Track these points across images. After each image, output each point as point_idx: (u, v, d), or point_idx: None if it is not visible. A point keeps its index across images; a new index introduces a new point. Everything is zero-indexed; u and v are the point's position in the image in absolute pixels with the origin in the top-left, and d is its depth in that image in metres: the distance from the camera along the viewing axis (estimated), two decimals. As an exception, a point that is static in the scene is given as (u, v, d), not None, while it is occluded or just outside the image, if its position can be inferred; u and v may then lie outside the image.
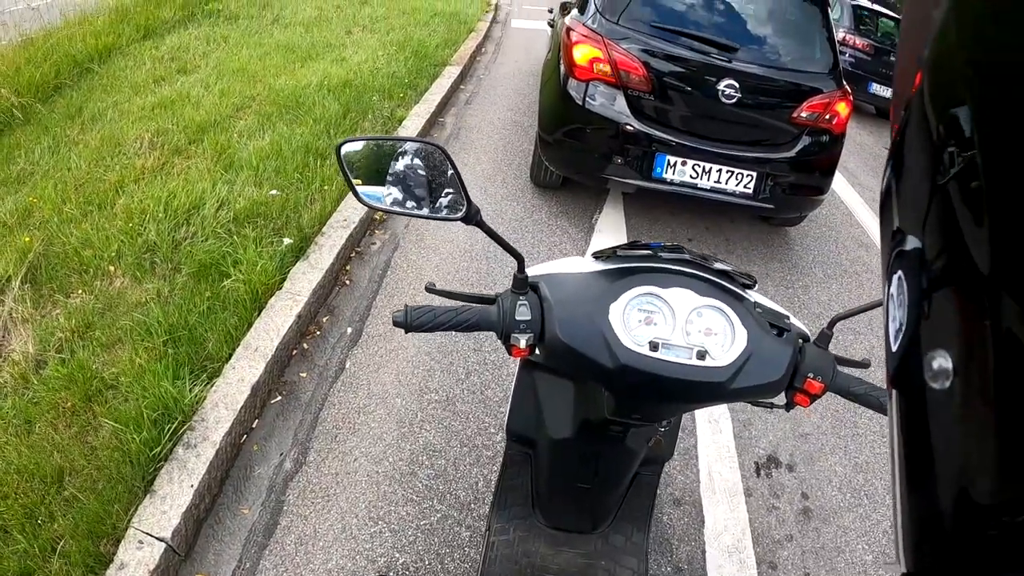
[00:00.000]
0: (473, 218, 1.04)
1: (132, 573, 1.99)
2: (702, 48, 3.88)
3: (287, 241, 3.44)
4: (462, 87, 6.99)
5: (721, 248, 4.43)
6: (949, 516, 0.36)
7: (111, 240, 3.40)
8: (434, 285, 1.14)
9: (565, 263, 1.19)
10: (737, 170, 3.94)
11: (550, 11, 6.69)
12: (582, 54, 3.93)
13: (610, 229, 4.34)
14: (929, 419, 0.38)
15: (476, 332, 1.10)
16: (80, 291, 3.13)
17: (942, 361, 0.36)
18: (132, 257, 3.30)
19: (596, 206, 4.63)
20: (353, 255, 3.69)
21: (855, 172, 6.76)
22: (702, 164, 3.92)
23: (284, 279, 3.21)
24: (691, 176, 3.95)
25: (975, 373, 0.34)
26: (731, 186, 3.98)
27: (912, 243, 0.40)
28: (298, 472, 2.49)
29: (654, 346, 1.00)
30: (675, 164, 3.92)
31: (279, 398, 2.78)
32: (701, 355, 1.00)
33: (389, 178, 1.05)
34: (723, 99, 3.82)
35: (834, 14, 10.18)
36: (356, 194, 1.05)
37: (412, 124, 5.29)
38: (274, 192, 3.85)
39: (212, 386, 2.61)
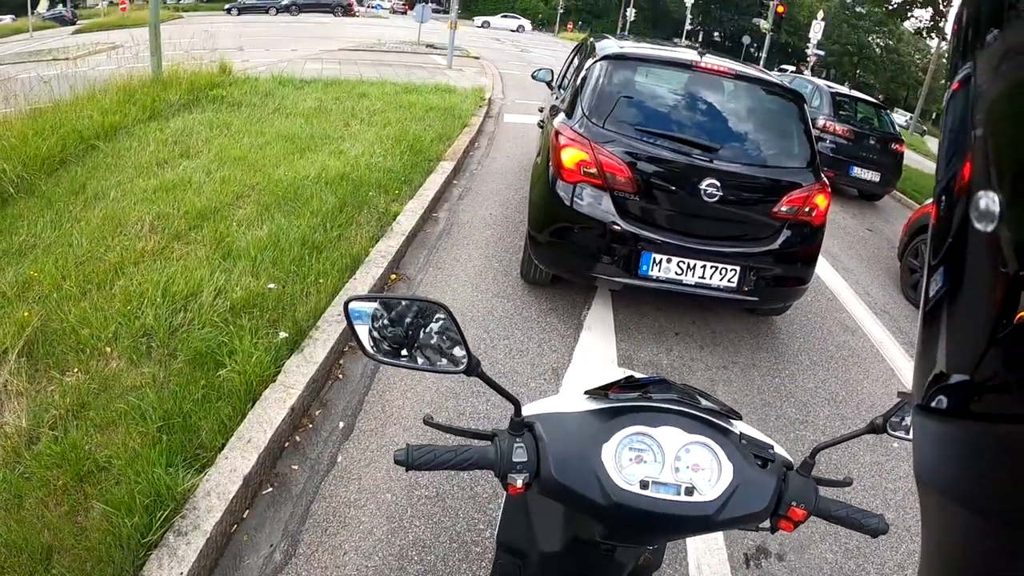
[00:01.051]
0: (474, 370, 1.12)
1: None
2: (685, 149, 4.06)
3: (283, 335, 3.51)
4: (455, 181, 7.22)
5: (707, 340, 4.54)
6: (971, 358, 0.38)
7: (109, 321, 3.47)
8: (432, 417, 1.23)
9: (559, 401, 1.29)
10: (721, 265, 4.08)
11: (540, 109, 6.99)
12: (569, 157, 4.11)
13: (598, 325, 4.46)
14: (967, 260, 0.40)
15: (475, 470, 1.21)
16: (76, 369, 3.18)
17: (989, 202, 0.36)
18: (129, 340, 3.37)
19: (584, 302, 4.76)
20: (347, 349, 3.76)
21: (839, 256, 7.00)
22: (686, 261, 4.05)
23: (279, 371, 3.27)
24: (676, 272, 4.08)
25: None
26: (715, 281, 4.11)
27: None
28: (287, 564, 2.49)
29: (644, 484, 1.08)
30: (660, 261, 4.06)
31: (270, 489, 2.81)
32: (689, 491, 1.09)
33: (395, 333, 1.13)
34: (705, 198, 3.98)
35: (813, 102, 10.72)
36: (364, 350, 1.12)
37: (406, 220, 5.44)
38: (272, 286, 3.95)
39: (205, 475, 2.65)
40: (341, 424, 3.23)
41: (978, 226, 0.38)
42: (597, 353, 4.16)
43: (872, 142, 10.21)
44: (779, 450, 1.24)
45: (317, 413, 3.27)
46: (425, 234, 5.69)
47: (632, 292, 4.45)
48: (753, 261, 4.13)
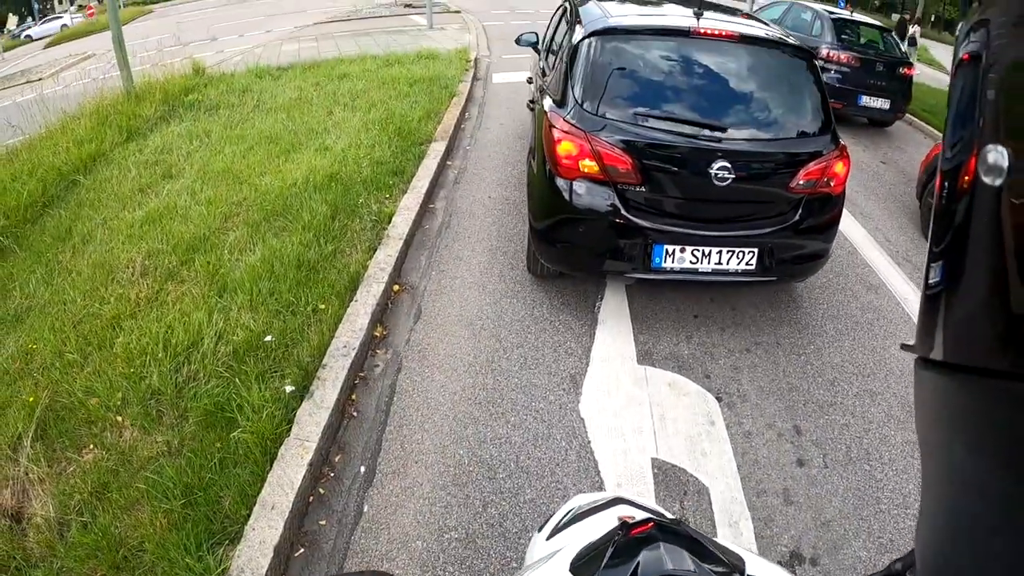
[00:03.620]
0: None
1: None
2: (690, 131, 3.80)
3: (289, 389, 3.41)
4: (449, 162, 6.97)
5: (728, 320, 4.40)
6: (977, 313, 0.39)
7: (115, 387, 3.40)
8: None
9: None
10: (737, 249, 3.89)
11: (530, 80, 6.65)
12: (566, 151, 3.86)
13: (613, 318, 4.33)
14: (973, 216, 0.39)
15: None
16: (91, 445, 3.12)
17: (998, 157, 0.36)
18: (138, 405, 3.30)
19: (597, 292, 4.61)
20: (357, 381, 3.70)
21: (855, 198, 6.76)
22: (701, 248, 3.86)
23: (291, 424, 3.19)
24: (691, 262, 3.90)
25: None
26: (733, 266, 3.93)
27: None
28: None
29: None
30: (673, 252, 3.87)
31: (302, 551, 2.77)
32: None
33: None
34: (716, 181, 3.72)
35: (814, 30, 10.38)
36: None
37: (402, 220, 5.26)
38: (269, 337, 3.78)
39: (235, 552, 2.62)
40: (362, 468, 3.16)
41: (985, 180, 0.38)
42: (614, 351, 4.04)
43: (879, 68, 9.80)
44: None
45: (336, 459, 3.20)
46: (424, 232, 5.51)
47: (647, 282, 4.29)
48: (771, 240, 3.93)
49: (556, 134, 3.94)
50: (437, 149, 6.87)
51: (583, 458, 3.25)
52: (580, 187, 3.89)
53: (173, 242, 4.77)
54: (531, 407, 3.57)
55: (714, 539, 1.13)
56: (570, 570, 1.10)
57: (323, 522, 2.90)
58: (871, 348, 4.26)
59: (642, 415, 3.54)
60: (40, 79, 7.92)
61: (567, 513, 1.34)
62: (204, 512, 2.74)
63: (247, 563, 2.56)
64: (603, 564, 1.13)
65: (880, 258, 5.52)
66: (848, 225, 6.03)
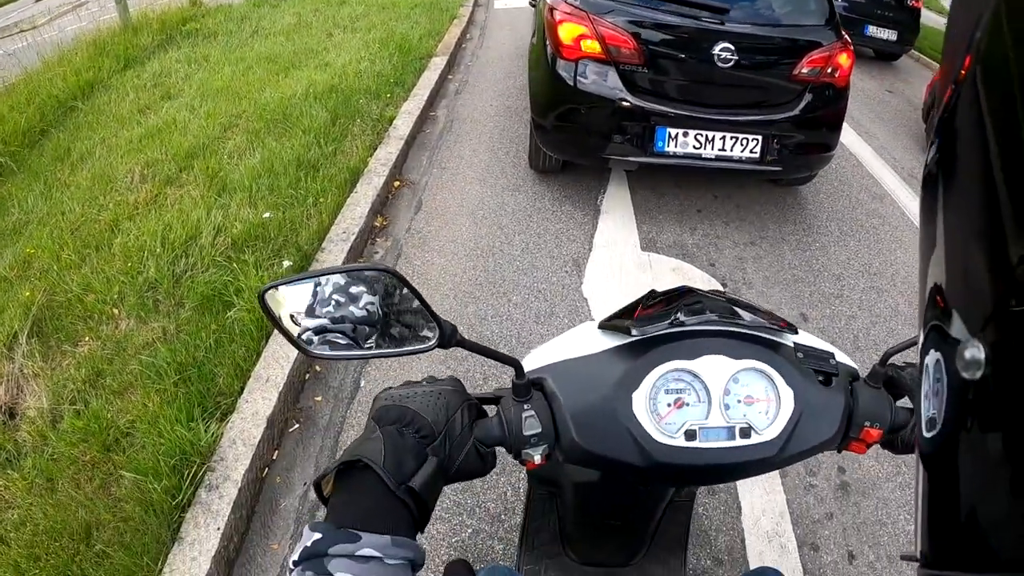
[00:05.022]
0: (451, 340, 0.82)
1: (166, 629, 1.96)
2: (692, 12, 3.73)
3: (287, 264, 3.37)
4: (450, 77, 6.85)
5: (732, 215, 4.30)
6: (971, 522, 0.35)
7: (112, 282, 3.35)
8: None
9: (568, 343, 1.01)
10: (741, 135, 3.81)
11: None
12: (567, 32, 3.79)
13: (616, 209, 4.24)
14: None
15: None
16: (87, 338, 3.09)
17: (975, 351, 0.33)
18: (134, 297, 3.25)
19: (600, 186, 4.52)
20: (357, 268, 3.62)
21: (860, 120, 6.60)
22: (704, 133, 3.79)
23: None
24: (694, 147, 3.83)
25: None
26: (736, 152, 3.85)
27: (958, 328, 0.34)
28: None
29: (690, 434, 0.86)
30: (676, 136, 3.80)
31: (296, 426, 2.73)
32: (745, 432, 0.87)
33: (335, 318, 0.83)
34: (720, 63, 3.68)
35: None
36: (299, 346, 0.83)
37: (403, 123, 5.19)
38: (267, 215, 3.76)
39: (227, 423, 2.56)
40: (362, 344, 3.09)
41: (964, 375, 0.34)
42: (617, 237, 3.94)
43: None
44: (841, 357, 0.98)
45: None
46: (425, 135, 5.42)
47: (649, 172, 4.22)
48: (775, 129, 3.85)
49: (558, 15, 3.87)
50: (438, 63, 6.73)
51: (585, 335, 3.15)
52: (582, 69, 3.81)
53: (172, 152, 4.69)
54: (533, 287, 3.51)
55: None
56: (599, 326, 1.03)
57: (319, 398, 2.86)
58: (877, 250, 4.18)
59: (645, 295, 3.44)
60: (35, 27, 7.68)
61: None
62: (197, 388, 2.70)
63: (239, 434, 2.52)
64: (636, 310, 1.04)
65: (886, 172, 5.38)
66: (852, 141, 5.90)
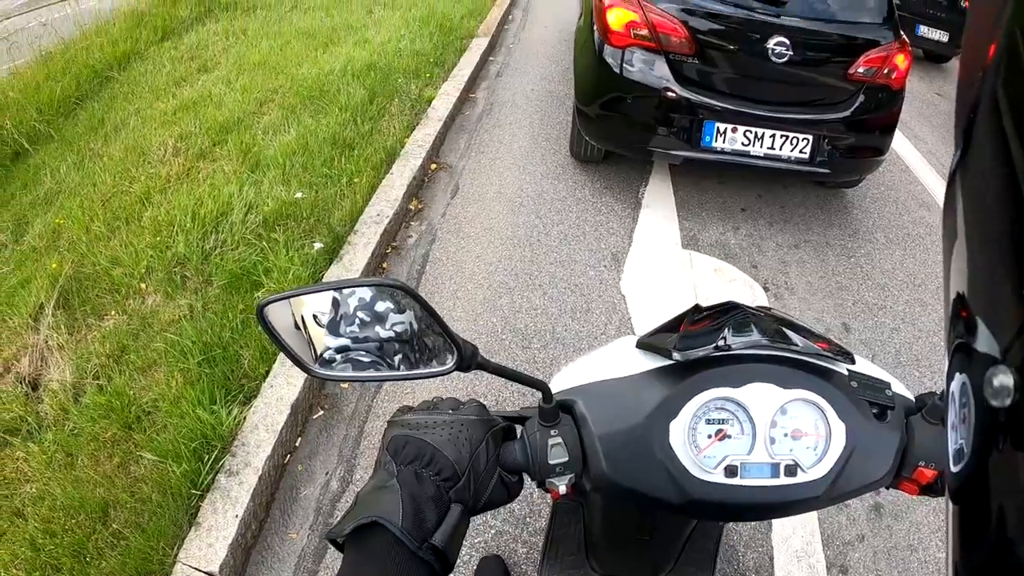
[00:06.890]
0: (470, 362, 0.75)
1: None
2: (747, 3, 3.59)
3: (318, 246, 3.29)
4: (491, 58, 6.71)
5: (776, 216, 4.15)
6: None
7: (140, 256, 3.30)
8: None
9: (603, 361, 0.91)
10: (791, 134, 3.67)
11: None
12: (616, 18, 3.67)
13: (658, 204, 4.12)
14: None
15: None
16: (113, 312, 3.04)
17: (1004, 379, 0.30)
18: (162, 272, 3.19)
19: (641, 179, 4.39)
20: (389, 250, 3.54)
21: (910, 124, 6.34)
22: (754, 130, 3.65)
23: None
24: (743, 143, 3.69)
25: None
26: (786, 152, 3.71)
27: (985, 342, 0.31)
28: (345, 492, 2.37)
29: (731, 471, 0.78)
30: (725, 131, 3.66)
31: (321, 413, 2.66)
32: (790, 471, 0.78)
33: (344, 338, 0.76)
34: (773, 58, 3.54)
35: None
36: (304, 368, 0.76)
37: (442, 104, 5.08)
38: (299, 194, 3.70)
39: (250, 407, 2.49)
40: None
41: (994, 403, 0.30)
42: (658, 233, 3.83)
43: None
44: (898, 387, 0.88)
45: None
46: (464, 117, 5.31)
47: (693, 167, 4.06)
48: (827, 129, 3.70)
49: (607, 0, 3.74)
50: (480, 44, 6.59)
51: (622, 333, 3.06)
52: (630, 56, 3.69)
53: (206, 126, 4.63)
54: (570, 280, 3.41)
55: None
56: (637, 344, 0.91)
57: (344, 386, 2.77)
58: (922, 261, 4.01)
59: (685, 295, 3.38)
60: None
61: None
62: (222, 370, 2.64)
63: (263, 419, 2.46)
64: (679, 325, 0.93)
65: (933, 179, 5.16)
66: (901, 145, 5.67)
